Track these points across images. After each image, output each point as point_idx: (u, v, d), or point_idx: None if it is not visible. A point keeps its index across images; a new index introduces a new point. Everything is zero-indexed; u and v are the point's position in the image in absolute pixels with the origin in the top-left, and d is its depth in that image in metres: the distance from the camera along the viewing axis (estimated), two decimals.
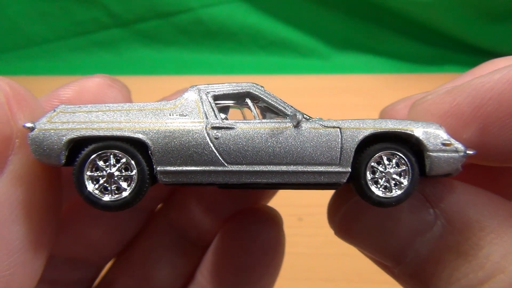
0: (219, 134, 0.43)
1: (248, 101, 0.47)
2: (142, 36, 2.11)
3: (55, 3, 2.06)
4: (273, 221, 0.57)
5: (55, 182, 0.45)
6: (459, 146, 0.43)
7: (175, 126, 0.43)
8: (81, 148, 0.43)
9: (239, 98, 0.47)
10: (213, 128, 0.43)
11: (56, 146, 0.42)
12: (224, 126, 0.44)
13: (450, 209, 0.40)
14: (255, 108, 0.47)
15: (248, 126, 0.43)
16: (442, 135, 0.43)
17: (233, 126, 0.44)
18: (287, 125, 0.44)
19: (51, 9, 2.07)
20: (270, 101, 0.47)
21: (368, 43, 2.09)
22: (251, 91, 0.47)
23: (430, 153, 0.43)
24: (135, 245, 0.60)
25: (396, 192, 0.43)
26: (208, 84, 0.47)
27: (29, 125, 0.41)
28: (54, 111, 0.43)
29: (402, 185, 0.43)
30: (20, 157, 0.40)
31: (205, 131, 0.43)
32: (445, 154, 0.43)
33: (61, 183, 0.46)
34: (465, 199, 0.40)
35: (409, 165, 0.44)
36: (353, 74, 1.95)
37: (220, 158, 0.43)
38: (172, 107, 0.45)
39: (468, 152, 0.43)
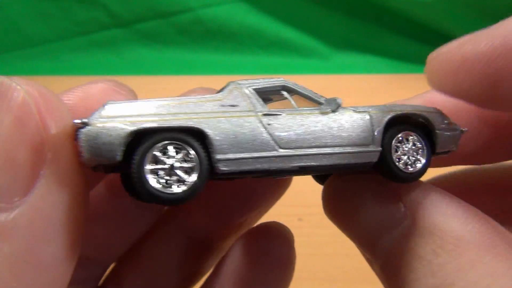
0: (271, 121, 0.44)
1: (285, 93, 0.49)
2: (142, 36, 2.11)
3: (55, 3, 2.06)
4: (284, 238, 0.57)
5: (86, 192, 0.42)
6: (457, 125, 0.50)
7: (230, 114, 0.44)
8: (135, 144, 0.41)
9: (274, 91, 0.49)
10: (265, 115, 0.45)
11: (115, 141, 0.39)
12: (274, 113, 0.45)
13: (418, 212, 0.40)
14: (292, 99, 0.49)
15: (293, 112, 0.46)
16: (443, 116, 0.49)
17: (280, 113, 0.45)
18: (326, 110, 0.46)
19: (51, 9, 2.07)
20: (303, 91, 0.49)
21: (368, 43, 2.09)
22: (285, 84, 0.49)
23: (438, 131, 0.48)
24: (143, 244, 0.60)
25: (417, 167, 0.47)
26: (244, 80, 0.48)
27: (81, 121, 0.38)
28: (104, 107, 0.41)
29: (420, 161, 0.47)
30: (53, 171, 0.37)
31: (258, 118, 0.44)
32: (448, 132, 0.49)
33: (88, 191, 0.44)
34: (436, 205, 0.40)
35: (423, 143, 0.48)
36: (353, 74, 1.95)
37: (273, 143, 0.44)
38: (220, 99, 0.45)
39: (463, 129, 0.50)
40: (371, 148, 0.46)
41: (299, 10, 2.07)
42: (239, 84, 0.47)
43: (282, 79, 0.49)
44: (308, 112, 0.46)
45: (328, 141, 0.45)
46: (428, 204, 0.41)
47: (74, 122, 0.39)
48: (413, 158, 0.47)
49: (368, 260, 0.45)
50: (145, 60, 2.09)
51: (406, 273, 0.38)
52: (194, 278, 0.63)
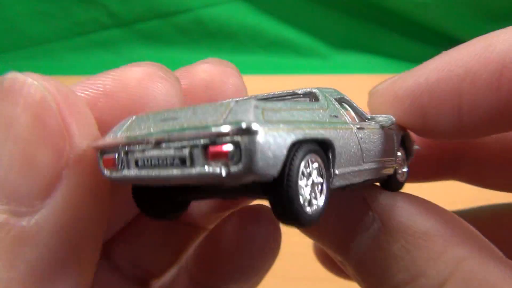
0: (360, 134, 0.44)
1: (346, 105, 0.48)
2: (142, 36, 2.11)
3: (55, 3, 2.06)
4: (271, 220, 0.57)
5: (109, 193, 0.39)
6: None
7: (339, 126, 0.41)
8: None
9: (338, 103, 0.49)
10: (358, 129, 0.44)
11: (281, 151, 0.32)
12: (362, 126, 0.44)
13: (385, 214, 0.42)
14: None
15: (368, 127, 0.45)
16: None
17: (364, 128, 0.45)
18: (383, 125, 0.47)
19: (51, 9, 2.07)
20: (355, 105, 0.49)
21: (368, 43, 2.09)
22: (343, 97, 0.48)
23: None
24: (133, 221, 0.60)
25: (406, 170, 0.51)
26: (323, 88, 0.46)
27: (254, 126, 0.30)
28: (257, 108, 0.33)
29: (405, 166, 0.52)
30: (76, 172, 0.34)
31: (354, 131, 0.43)
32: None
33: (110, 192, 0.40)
34: (400, 206, 0.42)
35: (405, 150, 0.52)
36: (353, 74, 1.95)
37: (362, 157, 0.43)
38: (325, 109, 0.42)
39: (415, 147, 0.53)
40: (393, 161, 0.48)
41: (299, 10, 2.07)
42: (326, 92, 0.45)
43: (337, 91, 0.48)
44: (373, 126, 0.46)
45: (380, 155, 0.46)
46: (394, 206, 0.43)
47: (242, 127, 0.30)
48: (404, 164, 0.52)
49: (340, 262, 0.46)
50: (145, 60, 2.07)
51: (381, 271, 0.40)
52: (181, 255, 0.63)
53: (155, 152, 0.34)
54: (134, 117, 0.38)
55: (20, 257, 0.31)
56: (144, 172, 0.34)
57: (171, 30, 2.08)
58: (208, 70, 0.43)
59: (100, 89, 0.40)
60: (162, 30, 2.09)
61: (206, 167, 0.32)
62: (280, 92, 0.47)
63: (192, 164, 0.32)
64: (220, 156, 0.31)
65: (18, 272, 0.31)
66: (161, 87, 0.40)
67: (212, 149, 0.31)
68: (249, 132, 0.30)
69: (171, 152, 0.33)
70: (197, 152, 0.32)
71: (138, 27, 2.09)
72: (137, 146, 0.35)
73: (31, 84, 0.33)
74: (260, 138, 0.30)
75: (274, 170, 0.32)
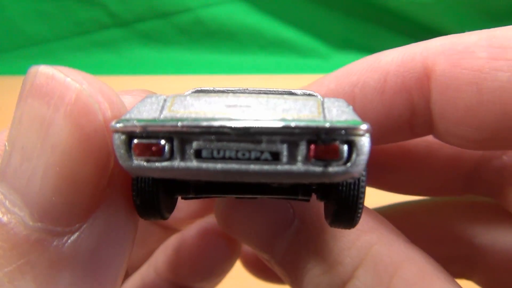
0: None
1: None
2: (142, 36, 2.11)
3: (55, 3, 2.06)
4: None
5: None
6: None
7: None
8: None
9: None
10: None
11: (369, 152, 0.31)
12: None
13: (303, 211, 0.43)
14: None
15: None
16: None
17: None
18: None
19: (51, 9, 2.07)
20: None
21: (368, 43, 2.09)
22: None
23: None
24: None
25: None
26: None
27: (368, 127, 0.29)
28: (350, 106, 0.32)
29: None
30: (119, 191, 0.31)
31: None
32: None
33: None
34: (315, 204, 0.43)
35: None
36: None
37: None
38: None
39: None
40: None
41: (299, 10, 2.07)
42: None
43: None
44: None
45: None
46: (308, 203, 0.43)
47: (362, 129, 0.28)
48: None
49: (265, 260, 0.46)
50: (145, 60, 2.08)
51: (304, 265, 0.41)
52: (151, 254, 0.66)
53: (233, 144, 0.29)
54: (171, 96, 0.33)
55: (56, 281, 0.29)
56: (210, 165, 0.29)
57: (171, 30, 2.08)
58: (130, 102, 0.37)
59: None
60: (162, 30, 2.08)
61: (308, 165, 0.29)
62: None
63: (289, 160, 0.29)
64: (329, 155, 0.29)
65: None
66: None
67: (320, 146, 0.29)
68: (365, 133, 0.29)
69: (261, 145, 0.29)
70: (298, 148, 0.29)
71: (138, 27, 2.09)
72: (205, 135, 0.29)
73: (73, 87, 0.29)
74: (370, 139, 0.29)
75: (362, 172, 0.31)
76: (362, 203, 0.34)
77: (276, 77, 1.92)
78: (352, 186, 0.33)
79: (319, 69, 2.03)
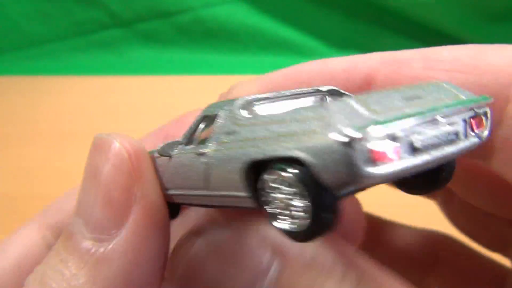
0: None
1: None
2: (142, 36, 2.11)
3: (55, 3, 2.06)
4: None
5: (168, 224, 0.47)
6: None
7: None
8: None
9: None
10: None
11: None
12: None
13: (288, 248, 0.39)
14: None
15: None
16: None
17: None
18: None
19: (51, 9, 2.07)
20: None
21: (368, 43, 2.09)
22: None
23: None
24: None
25: None
26: None
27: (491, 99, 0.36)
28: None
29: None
30: (141, 207, 0.43)
31: None
32: None
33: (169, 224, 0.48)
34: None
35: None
36: None
37: None
38: None
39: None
40: None
41: (299, 10, 2.07)
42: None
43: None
44: None
45: None
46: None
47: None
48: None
49: None
50: (145, 60, 2.08)
51: None
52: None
53: (433, 131, 0.31)
54: (350, 99, 0.31)
55: (101, 275, 0.41)
56: (425, 157, 0.30)
57: (171, 30, 2.08)
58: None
59: None
60: (162, 30, 2.09)
61: (473, 138, 0.35)
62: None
63: (463, 137, 0.34)
64: (482, 126, 0.35)
65: (100, 286, 0.41)
66: None
67: (478, 119, 0.35)
68: (490, 105, 0.36)
69: (448, 128, 0.32)
70: (466, 125, 0.34)
71: (138, 27, 2.09)
72: (418, 127, 0.30)
73: (112, 141, 0.43)
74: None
75: None
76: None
77: None
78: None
79: None
